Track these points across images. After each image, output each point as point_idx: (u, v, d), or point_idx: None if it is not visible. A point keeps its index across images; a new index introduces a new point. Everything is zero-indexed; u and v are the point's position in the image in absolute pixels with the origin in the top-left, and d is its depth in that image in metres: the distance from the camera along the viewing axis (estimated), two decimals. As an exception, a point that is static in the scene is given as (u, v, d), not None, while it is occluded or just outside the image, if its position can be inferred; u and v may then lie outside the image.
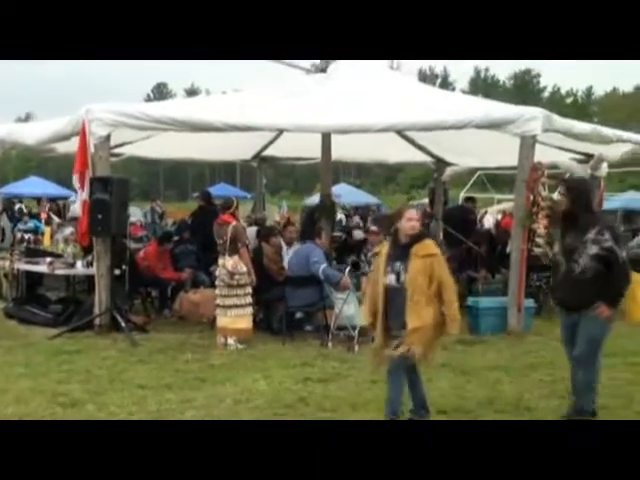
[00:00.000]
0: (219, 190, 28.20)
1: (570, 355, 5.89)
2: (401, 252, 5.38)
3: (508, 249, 11.69)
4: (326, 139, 10.64)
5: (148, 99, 74.95)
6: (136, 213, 18.41)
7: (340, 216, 16.03)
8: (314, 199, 24.36)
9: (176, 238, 11.26)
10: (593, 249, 5.41)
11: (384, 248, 5.54)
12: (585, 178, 5.64)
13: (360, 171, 56.64)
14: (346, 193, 26.98)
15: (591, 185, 6.08)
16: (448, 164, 14.60)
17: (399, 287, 5.32)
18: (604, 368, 7.54)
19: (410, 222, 5.38)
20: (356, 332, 8.61)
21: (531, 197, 8.84)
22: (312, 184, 44.72)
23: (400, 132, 11.98)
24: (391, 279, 5.37)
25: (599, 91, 75.44)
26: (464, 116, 9.01)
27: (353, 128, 9.10)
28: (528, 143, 8.85)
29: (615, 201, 27.95)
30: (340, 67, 10.99)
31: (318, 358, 7.92)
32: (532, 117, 8.76)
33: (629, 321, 10.47)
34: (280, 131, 11.46)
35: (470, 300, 9.74)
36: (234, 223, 8.53)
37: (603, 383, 6.98)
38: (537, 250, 9.71)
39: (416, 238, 5.39)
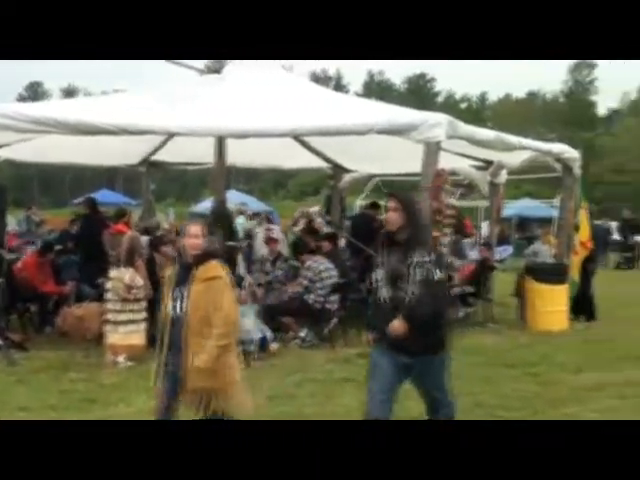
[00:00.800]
0: (102, 197, 27.48)
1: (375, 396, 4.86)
2: (184, 275, 4.76)
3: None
4: (220, 144, 10.57)
5: (21, 99, 72.44)
6: (10, 221, 17.69)
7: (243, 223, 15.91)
8: (204, 206, 24.16)
9: (58, 248, 10.91)
10: (419, 274, 4.68)
11: (171, 270, 4.91)
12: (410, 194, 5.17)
13: (250, 177, 56.48)
14: (236, 200, 26.80)
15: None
16: (346, 170, 14.77)
17: (181, 316, 4.68)
18: (507, 380, 7.89)
19: (191, 239, 4.77)
20: (254, 346, 8.59)
21: (435, 205, 9.02)
22: (199, 190, 44.31)
23: (297, 137, 12.04)
24: (174, 307, 4.72)
25: (493, 97, 78.25)
26: (366, 121, 9.12)
27: (251, 132, 9.06)
28: (432, 150, 9.03)
29: (510, 208, 28.90)
30: (235, 68, 10.96)
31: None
32: (436, 123, 8.94)
33: (529, 331, 10.91)
34: (171, 135, 11.28)
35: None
36: (130, 233, 8.34)
37: (507, 395, 7.26)
38: (441, 259, 9.98)
39: (200, 258, 4.75)
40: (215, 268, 4.75)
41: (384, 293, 4.76)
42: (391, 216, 4.78)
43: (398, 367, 4.80)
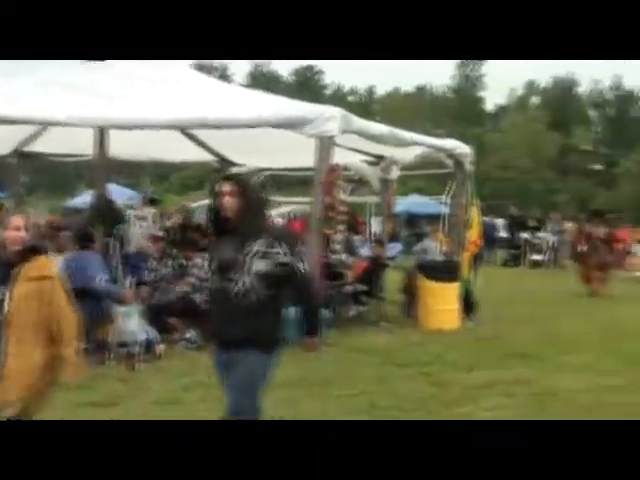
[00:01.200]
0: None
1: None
2: (5, 273, 4.32)
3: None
4: (102, 134, 10.32)
5: None
6: None
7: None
8: (82, 200, 23.49)
9: None
10: (261, 265, 4.39)
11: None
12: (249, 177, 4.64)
13: (131, 169, 55.30)
14: (118, 194, 26.23)
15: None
16: (233, 164, 14.66)
17: (1, 320, 4.28)
18: (401, 379, 8.05)
19: (11, 233, 4.38)
20: (138, 348, 8.45)
21: (328, 201, 9.09)
22: (75, 183, 43.01)
23: (183, 129, 11.88)
24: None
25: (381, 90, 79.47)
26: (259, 114, 9.10)
27: (136, 123, 8.89)
28: (325, 144, 9.09)
29: (398, 205, 29.35)
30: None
31: (97, 378, 7.61)
32: (330, 117, 9.00)
33: (421, 330, 11.14)
34: (47, 124, 10.91)
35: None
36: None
37: (402, 396, 7.40)
38: (334, 257, 10.08)
39: (23, 254, 4.35)
40: (44, 266, 4.42)
41: (215, 284, 4.51)
42: (227, 201, 4.43)
43: (222, 365, 4.61)
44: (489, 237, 25.61)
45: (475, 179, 12.85)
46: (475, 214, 12.69)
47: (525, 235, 25.92)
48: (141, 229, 12.55)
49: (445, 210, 13.81)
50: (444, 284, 11.42)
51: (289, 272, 4.41)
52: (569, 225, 24.30)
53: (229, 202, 4.42)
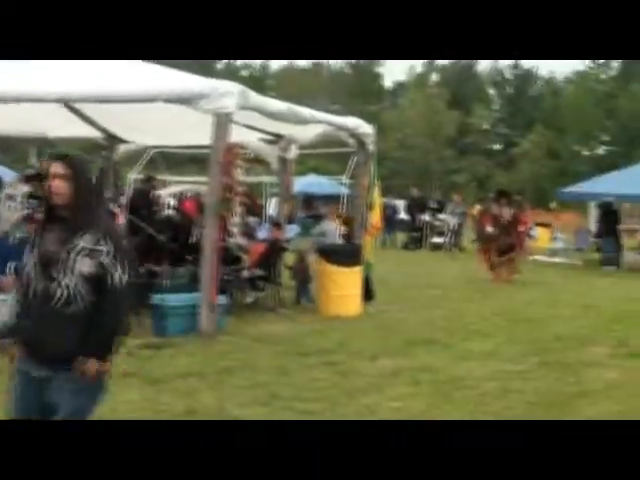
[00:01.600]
0: None
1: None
2: None
3: (193, 238, 11.91)
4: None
5: None
6: None
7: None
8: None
9: None
10: (86, 264, 3.85)
11: None
12: (85, 158, 4.20)
13: (7, 146, 53.56)
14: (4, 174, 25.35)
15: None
16: (121, 141, 14.40)
17: None
18: (302, 369, 8.06)
19: None
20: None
21: (226, 181, 9.01)
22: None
23: (67, 103, 11.54)
24: None
25: (275, 65, 79.11)
26: (151, 88, 8.92)
27: (18, 97, 8.56)
28: (222, 121, 9.00)
29: (295, 185, 29.38)
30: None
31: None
32: (227, 92, 8.91)
33: (321, 316, 11.21)
34: None
35: (156, 298, 9.73)
36: None
37: (304, 386, 7.42)
38: (232, 241, 10.00)
39: None
40: None
41: (35, 284, 3.87)
42: (57, 185, 3.87)
43: (33, 384, 3.95)
44: (389, 219, 26.12)
45: (375, 159, 12.98)
46: (377, 196, 12.83)
47: (426, 217, 26.43)
48: (9, 210, 12.11)
49: (344, 191, 13.96)
50: (345, 268, 11.49)
51: (102, 276, 3.85)
52: (478, 207, 24.97)
53: (59, 186, 3.87)
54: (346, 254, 11.75)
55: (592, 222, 24.53)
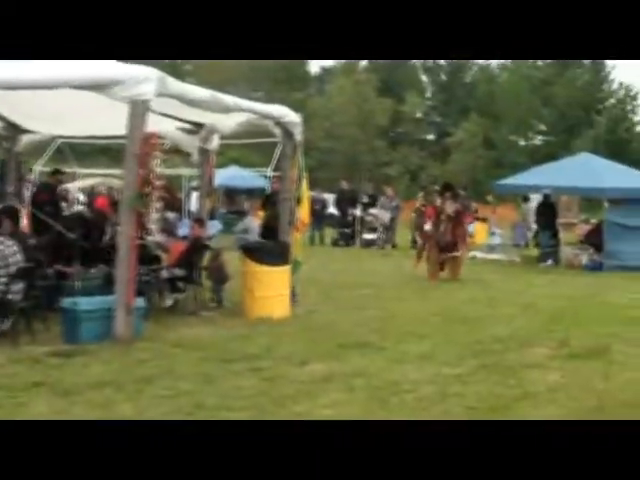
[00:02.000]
0: None
1: None
2: None
3: (107, 236, 11.77)
4: None
5: None
6: None
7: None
8: None
9: None
10: None
11: None
12: None
13: None
14: None
15: None
16: (25, 131, 14.14)
17: None
18: (226, 377, 8.04)
19: None
20: None
21: (143, 174, 8.92)
22: None
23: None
24: None
25: (192, 48, 78.67)
26: (60, 74, 8.74)
27: None
28: (139, 110, 8.90)
29: (216, 178, 29.19)
30: None
31: None
32: (144, 78, 8.81)
33: (247, 320, 11.18)
34: None
35: (66, 301, 9.59)
36: None
37: (229, 394, 7.40)
38: (150, 238, 9.91)
39: None
40: None
41: None
42: None
43: None
44: (318, 214, 26.20)
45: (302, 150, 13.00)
46: (304, 189, 12.86)
47: (357, 212, 26.59)
48: None
49: (268, 184, 13.96)
50: (272, 268, 11.49)
51: None
52: (419, 202, 25.29)
53: None
54: (273, 252, 11.74)
55: (531, 215, 25.05)
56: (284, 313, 11.53)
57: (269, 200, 14.56)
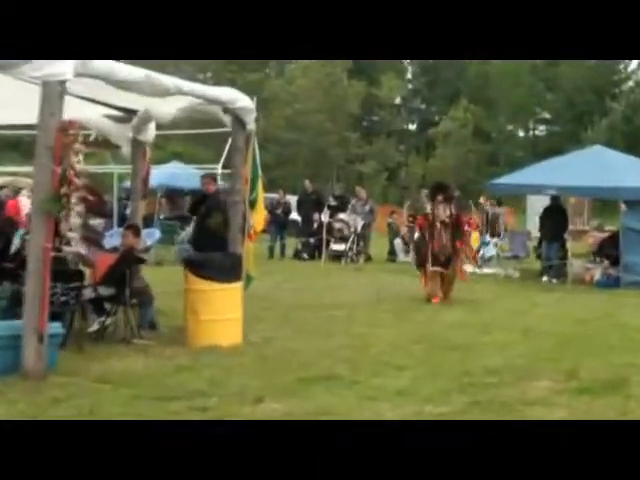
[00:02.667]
0: None
1: None
2: None
3: (14, 246, 11.66)
4: None
5: None
6: None
7: None
8: None
9: None
10: None
11: None
12: None
13: None
14: None
15: None
16: None
17: None
18: (164, 418, 7.96)
19: None
20: None
21: (59, 171, 8.83)
22: None
23: None
24: None
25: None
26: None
27: None
28: (54, 93, 8.83)
29: (154, 176, 28.79)
30: None
31: None
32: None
33: (190, 349, 11.10)
34: None
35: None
36: None
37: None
38: (68, 249, 9.76)
39: None
40: None
41: None
42: None
43: None
44: (277, 220, 26.20)
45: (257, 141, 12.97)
46: (260, 190, 12.80)
47: (323, 218, 26.61)
48: None
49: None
50: (220, 285, 11.41)
51: None
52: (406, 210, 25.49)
53: None
54: (221, 266, 11.66)
55: (531, 222, 25.19)
56: (235, 340, 11.45)
57: (202, 204, 14.43)
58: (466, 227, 17.55)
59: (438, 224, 16.95)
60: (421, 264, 17.35)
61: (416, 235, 17.43)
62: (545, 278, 21.15)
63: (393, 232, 28.10)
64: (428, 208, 17.68)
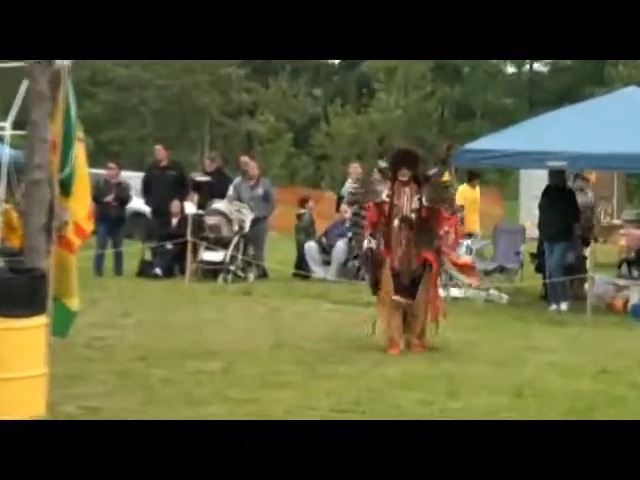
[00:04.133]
0: None
1: None
2: None
3: None
4: None
5: None
6: None
7: None
8: None
9: None
10: None
11: None
12: None
13: None
14: None
15: None
16: None
17: None
18: None
19: None
20: None
21: None
22: None
23: None
24: None
25: None
26: None
27: None
28: None
29: None
30: None
31: None
32: None
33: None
34: None
35: None
36: None
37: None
38: None
39: None
40: None
41: None
42: None
43: None
44: (112, 212, 26.00)
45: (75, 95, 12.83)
46: (80, 162, 12.61)
47: (187, 207, 26.55)
48: None
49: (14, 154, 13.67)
50: (9, 322, 11.24)
51: None
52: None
53: None
54: (13, 294, 11.48)
55: (526, 212, 25.21)
56: (35, 412, 11.29)
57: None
58: (446, 228, 16.69)
59: (396, 222, 16.39)
60: (376, 286, 16.81)
61: (366, 241, 16.38)
62: (553, 306, 21.13)
63: (305, 230, 27.93)
64: (384, 194, 16.64)
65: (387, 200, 16.53)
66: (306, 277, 26.63)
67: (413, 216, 16.36)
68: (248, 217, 25.88)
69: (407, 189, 16.43)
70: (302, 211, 28.90)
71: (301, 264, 27.27)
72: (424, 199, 16.45)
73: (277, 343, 16.62)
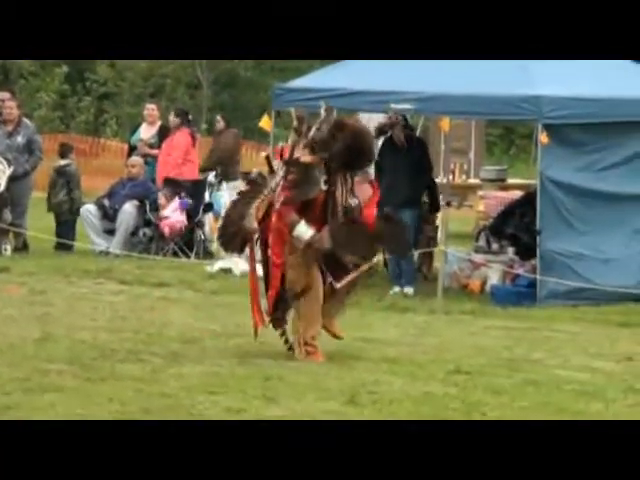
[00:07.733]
0: None
1: None
2: None
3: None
4: None
5: None
6: None
7: None
8: None
9: None
10: None
11: None
12: None
13: None
14: None
15: None
16: None
17: None
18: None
19: None
20: None
21: None
22: None
23: None
24: None
25: None
26: None
27: None
28: None
29: None
30: None
31: None
32: None
33: None
34: None
35: None
36: None
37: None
38: None
39: None
40: None
41: None
42: None
43: None
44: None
45: None
46: None
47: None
48: None
49: None
50: None
51: None
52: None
53: None
54: None
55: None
56: None
57: None
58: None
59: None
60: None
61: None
62: (396, 288, 20.95)
63: (68, 188, 27.42)
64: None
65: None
66: (69, 248, 26.58)
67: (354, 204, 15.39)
68: (4, 173, 25.50)
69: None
70: (63, 162, 28.05)
71: (62, 232, 26.82)
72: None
73: (44, 335, 16.44)
